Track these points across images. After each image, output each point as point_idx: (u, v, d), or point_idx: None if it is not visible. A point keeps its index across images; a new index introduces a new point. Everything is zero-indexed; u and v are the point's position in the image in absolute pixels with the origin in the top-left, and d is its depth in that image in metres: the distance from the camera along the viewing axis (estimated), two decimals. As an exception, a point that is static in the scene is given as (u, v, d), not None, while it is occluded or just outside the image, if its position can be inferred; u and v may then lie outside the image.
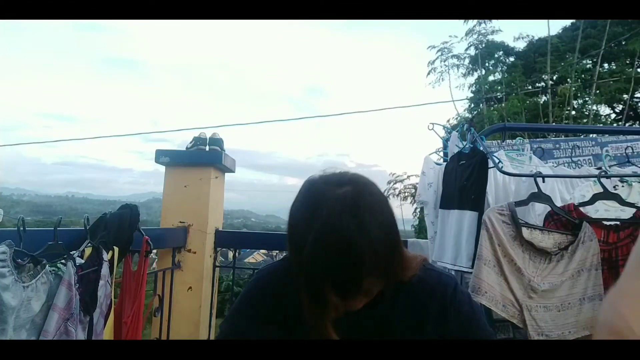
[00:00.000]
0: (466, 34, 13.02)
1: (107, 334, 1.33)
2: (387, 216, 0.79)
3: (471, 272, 1.59)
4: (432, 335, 0.88)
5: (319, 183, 0.81)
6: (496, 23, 12.80)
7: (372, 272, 0.75)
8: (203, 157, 2.30)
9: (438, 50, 13.34)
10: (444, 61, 13.48)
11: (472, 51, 13.39)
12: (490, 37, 13.21)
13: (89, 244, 1.26)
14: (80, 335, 1.15)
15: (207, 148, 2.32)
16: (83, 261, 1.20)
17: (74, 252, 1.18)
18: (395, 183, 13.05)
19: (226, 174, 2.51)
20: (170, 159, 2.28)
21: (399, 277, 0.85)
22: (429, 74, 13.64)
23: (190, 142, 2.34)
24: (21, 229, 1.08)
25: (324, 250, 0.73)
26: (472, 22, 12.48)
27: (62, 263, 1.13)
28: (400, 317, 0.89)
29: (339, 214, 0.73)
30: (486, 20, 12.25)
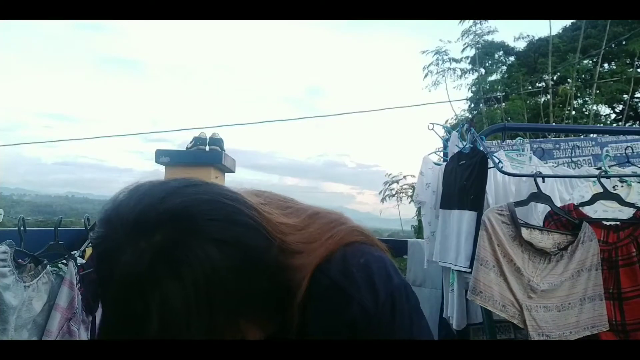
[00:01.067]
0: (462, 35, 13.02)
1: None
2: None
3: (470, 272, 1.60)
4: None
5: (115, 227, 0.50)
6: (492, 23, 12.79)
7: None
8: (203, 157, 2.30)
9: (435, 54, 13.31)
10: (440, 64, 13.45)
11: (469, 52, 13.39)
12: (486, 38, 13.21)
13: (90, 244, 1.26)
14: (83, 335, 1.15)
15: (207, 148, 2.32)
16: (84, 261, 1.20)
17: (75, 252, 1.19)
18: (391, 184, 13.02)
19: (226, 174, 2.51)
20: (170, 159, 2.28)
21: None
22: (425, 77, 13.61)
23: (190, 142, 2.34)
24: (22, 229, 1.08)
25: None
26: (467, 23, 12.48)
27: (63, 263, 1.13)
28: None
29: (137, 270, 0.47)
30: (482, 21, 12.25)
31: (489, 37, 13.25)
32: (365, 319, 0.60)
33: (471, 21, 12.15)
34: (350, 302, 0.59)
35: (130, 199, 0.51)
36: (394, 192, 13.19)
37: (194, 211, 0.49)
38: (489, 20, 12.25)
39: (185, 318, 0.48)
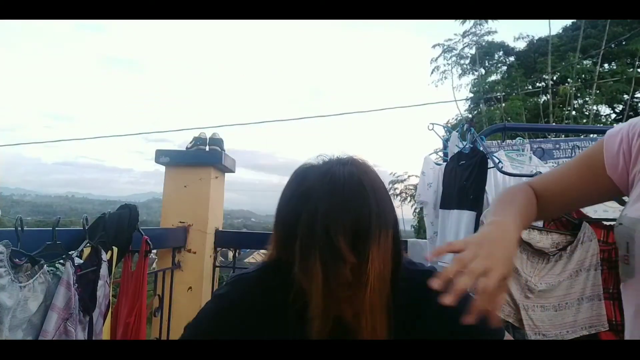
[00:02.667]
0: (462, 36, 13.04)
1: (105, 333, 1.33)
2: (388, 197, 0.82)
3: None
4: (430, 328, 0.83)
5: (315, 164, 0.81)
6: (492, 24, 12.81)
7: (379, 230, 0.75)
8: (203, 157, 2.30)
9: (444, 49, 13.33)
10: (448, 59, 13.48)
11: (468, 51, 13.40)
12: (486, 39, 13.23)
13: (88, 244, 1.26)
14: (80, 335, 1.15)
15: (207, 148, 2.32)
16: (82, 261, 1.20)
17: (73, 252, 1.18)
18: (395, 183, 13.03)
19: (226, 174, 2.51)
20: (170, 159, 2.27)
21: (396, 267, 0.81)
22: (432, 72, 13.63)
23: (190, 142, 2.34)
24: (19, 228, 1.08)
25: (336, 203, 0.74)
26: (468, 24, 12.51)
27: (60, 263, 1.13)
28: (396, 314, 0.82)
29: (349, 176, 0.76)
30: (482, 22, 12.27)
31: (489, 38, 13.27)
32: None
33: (472, 21, 12.18)
34: None
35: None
36: (397, 191, 13.21)
37: (366, 163, 0.83)
38: (489, 21, 12.29)
39: (385, 193, 0.80)
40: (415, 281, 0.84)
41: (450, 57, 13.47)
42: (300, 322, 0.78)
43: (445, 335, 0.82)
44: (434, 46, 13.71)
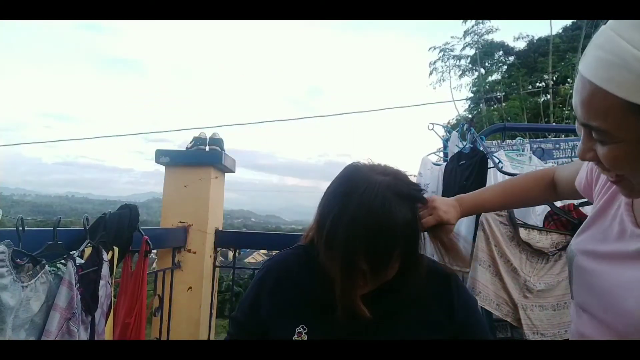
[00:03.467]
0: (464, 35, 13.03)
1: (107, 334, 1.33)
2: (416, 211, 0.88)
3: (468, 272, 1.60)
4: (438, 319, 0.91)
5: (363, 167, 0.87)
6: (494, 22, 12.81)
7: (401, 249, 0.81)
8: (203, 157, 2.30)
9: (440, 51, 13.33)
10: (446, 62, 13.48)
11: (468, 51, 13.39)
12: (487, 37, 13.22)
13: (89, 244, 1.26)
14: (83, 335, 1.15)
15: (207, 148, 2.32)
16: (83, 261, 1.20)
17: (74, 252, 1.18)
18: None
19: (226, 174, 2.51)
20: (170, 159, 2.27)
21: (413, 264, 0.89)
22: (430, 74, 13.63)
23: (190, 142, 2.34)
24: (20, 228, 1.08)
25: (361, 221, 0.78)
26: (470, 23, 12.50)
27: (62, 263, 1.13)
28: (408, 303, 0.91)
29: (380, 191, 0.80)
30: (484, 20, 12.26)
31: (489, 37, 13.26)
32: None
33: (473, 21, 12.18)
34: None
35: (371, 163, 0.90)
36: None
37: (404, 175, 0.90)
38: (491, 20, 12.28)
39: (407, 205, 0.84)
40: (431, 270, 0.94)
41: (448, 59, 13.48)
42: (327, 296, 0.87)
43: (447, 323, 0.90)
44: (430, 49, 13.71)
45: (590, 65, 0.63)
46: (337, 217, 0.80)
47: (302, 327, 0.90)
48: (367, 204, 0.79)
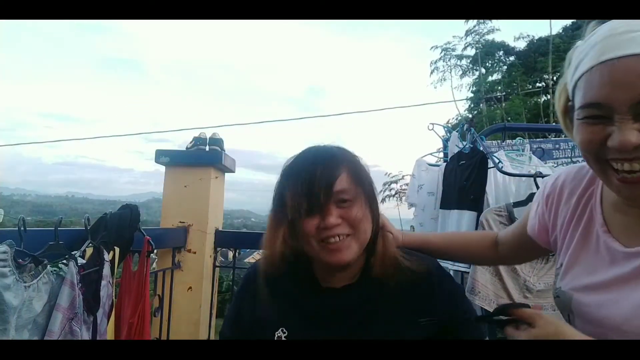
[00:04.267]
0: (466, 34, 13.03)
1: (109, 334, 1.33)
2: (369, 177, 0.93)
3: (469, 272, 1.60)
4: (418, 313, 0.90)
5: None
6: (495, 22, 12.82)
7: (349, 182, 0.86)
8: (203, 157, 2.30)
9: (442, 50, 13.34)
10: (447, 61, 13.50)
11: (469, 51, 13.40)
12: (488, 37, 13.22)
13: (90, 244, 1.26)
14: (85, 335, 1.15)
15: (207, 148, 2.32)
16: (84, 261, 1.20)
17: (75, 252, 1.18)
18: (391, 184, 12.99)
19: (226, 174, 2.51)
20: (170, 159, 2.27)
21: (378, 252, 0.91)
22: (432, 73, 13.64)
23: (190, 142, 2.34)
24: (22, 229, 1.08)
25: (304, 164, 0.87)
26: (472, 22, 12.51)
27: (63, 263, 1.13)
28: (385, 297, 0.91)
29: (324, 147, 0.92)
30: (486, 20, 12.27)
31: (491, 37, 13.26)
32: None
33: (475, 20, 12.19)
34: None
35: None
36: (393, 192, 13.18)
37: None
38: (493, 20, 12.29)
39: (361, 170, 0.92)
40: (410, 263, 0.94)
41: (450, 59, 13.48)
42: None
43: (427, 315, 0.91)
44: (432, 48, 13.72)
45: None
46: (279, 184, 0.91)
47: (282, 330, 0.90)
48: (311, 152, 0.91)
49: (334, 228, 0.84)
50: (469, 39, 13.24)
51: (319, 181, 0.83)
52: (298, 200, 0.84)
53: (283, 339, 0.89)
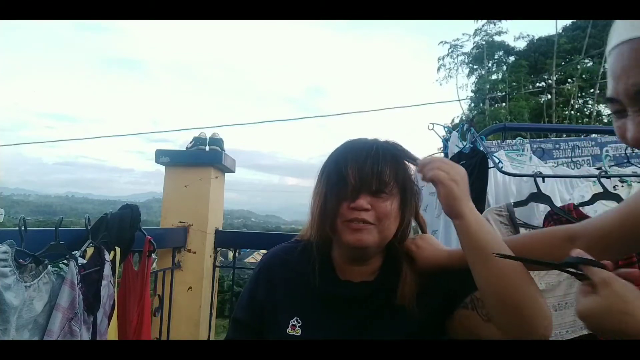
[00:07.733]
0: (474, 34, 13.03)
1: (111, 334, 1.33)
2: (413, 187, 0.98)
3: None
4: (435, 300, 0.91)
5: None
6: (504, 24, 12.82)
7: (388, 181, 0.89)
8: (203, 157, 2.30)
9: (450, 47, 13.32)
10: (455, 58, 13.49)
11: (476, 50, 13.39)
12: (496, 38, 13.22)
13: (91, 244, 1.26)
14: (85, 335, 1.15)
15: (207, 148, 2.32)
16: (85, 261, 1.20)
17: (76, 252, 1.18)
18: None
19: (226, 174, 2.51)
20: (170, 159, 2.27)
21: (397, 247, 0.94)
22: (439, 69, 13.63)
23: (190, 142, 2.34)
24: (22, 228, 1.08)
25: (354, 149, 0.92)
26: (481, 22, 12.51)
27: (64, 263, 1.13)
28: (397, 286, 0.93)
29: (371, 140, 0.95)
30: (495, 21, 12.28)
31: (499, 38, 13.26)
32: None
33: (484, 20, 12.19)
34: None
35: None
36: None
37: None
38: (502, 21, 12.29)
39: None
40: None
41: (457, 55, 13.48)
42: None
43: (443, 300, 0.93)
44: (440, 43, 13.71)
45: None
46: (328, 160, 0.94)
47: (297, 319, 0.91)
48: (358, 144, 0.93)
49: (362, 212, 0.87)
50: (477, 38, 13.25)
51: (375, 163, 0.89)
52: (357, 168, 0.88)
53: (297, 328, 0.91)
